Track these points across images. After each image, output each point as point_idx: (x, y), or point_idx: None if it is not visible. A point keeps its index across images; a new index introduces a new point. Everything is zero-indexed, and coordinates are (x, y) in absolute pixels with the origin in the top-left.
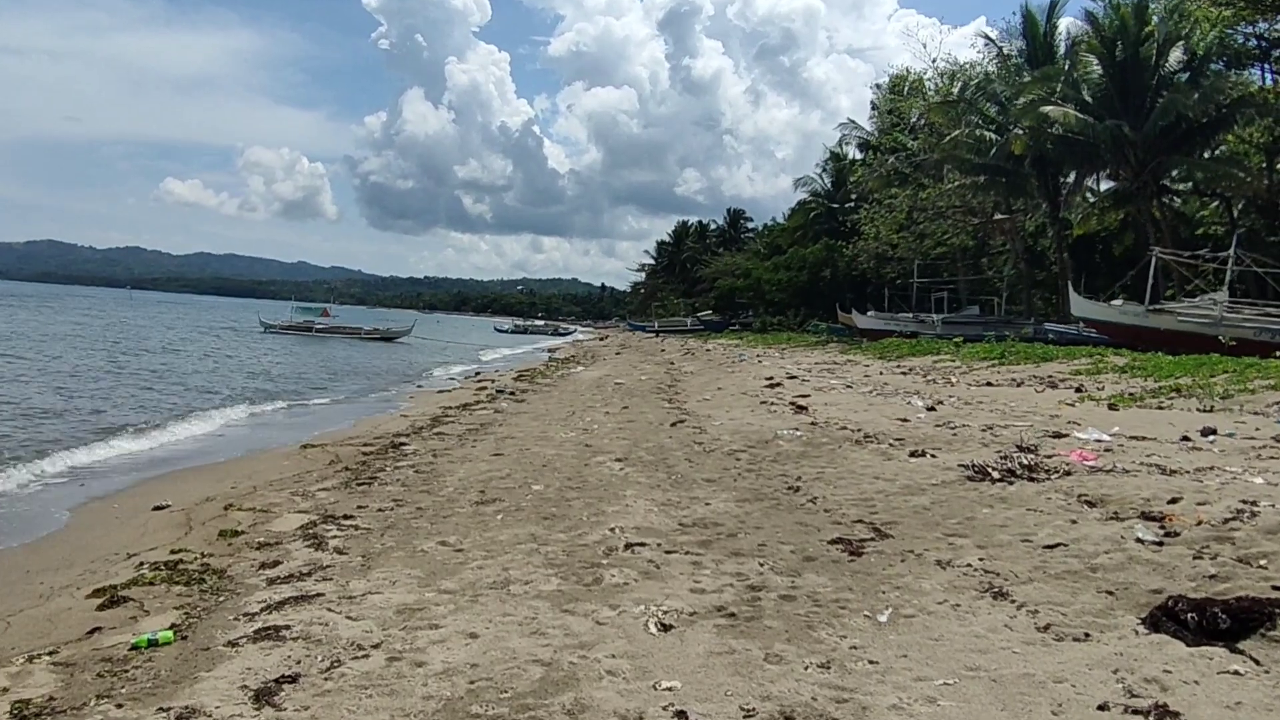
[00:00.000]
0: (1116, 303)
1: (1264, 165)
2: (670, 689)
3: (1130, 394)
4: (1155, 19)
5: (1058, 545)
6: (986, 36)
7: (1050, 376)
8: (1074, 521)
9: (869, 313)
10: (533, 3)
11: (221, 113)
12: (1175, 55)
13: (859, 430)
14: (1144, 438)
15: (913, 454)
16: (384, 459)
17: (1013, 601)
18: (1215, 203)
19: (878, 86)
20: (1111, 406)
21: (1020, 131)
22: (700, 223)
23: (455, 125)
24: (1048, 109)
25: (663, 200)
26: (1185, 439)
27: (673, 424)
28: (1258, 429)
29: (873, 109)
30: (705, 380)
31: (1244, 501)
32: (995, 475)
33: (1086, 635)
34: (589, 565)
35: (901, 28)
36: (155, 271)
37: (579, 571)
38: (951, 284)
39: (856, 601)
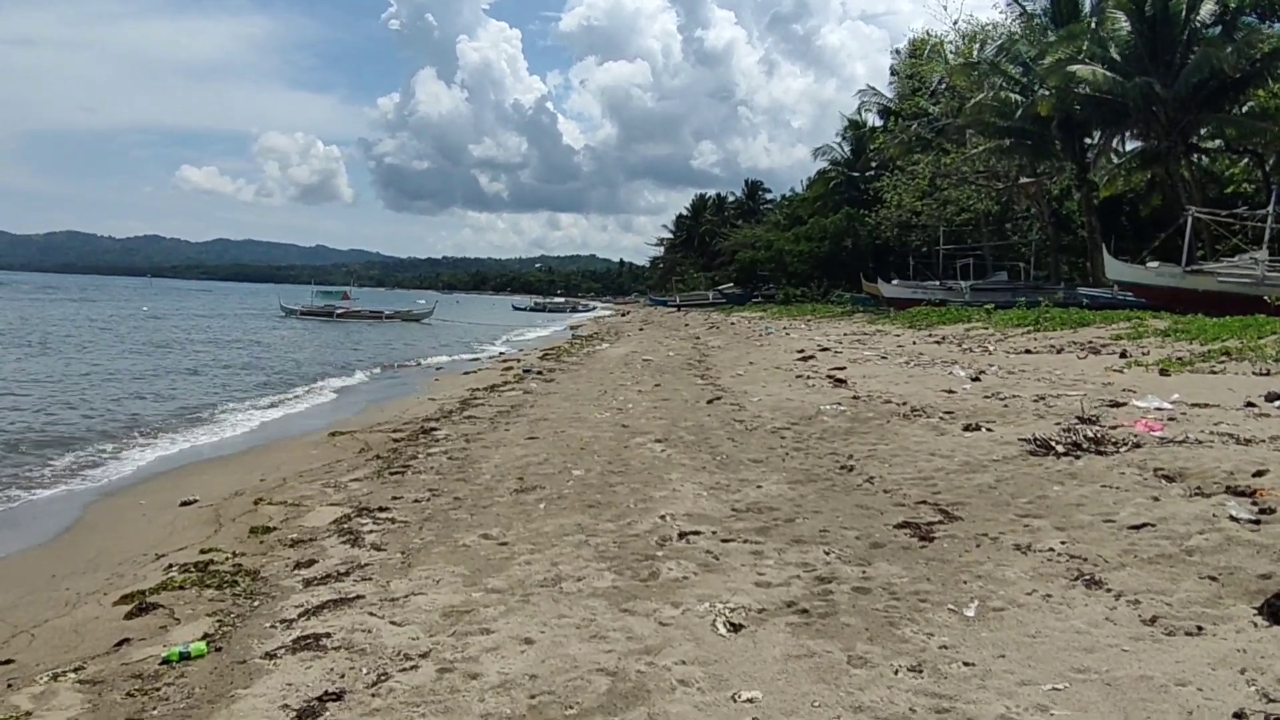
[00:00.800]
0: (1153, 264)
1: None
2: (751, 700)
3: (1179, 358)
4: None
5: (1144, 525)
6: None
7: (1090, 342)
8: (1156, 499)
9: (894, 281)
10: None
11: (235, 99)
12: (1207, 8)
13: (905, 404)
14: (1206, 404)
15: (966, 428)
16: (415, 445)
17: (1108, 590)
18: (1245, 159)
19: (897, 51)
20: (1163, 372)
21: (1046, 92)
22: (718, 195)
23: (468, 104)
24: (1075, 68)
25: (679, 173)
26: (1250, 405)
27: (709, 401)
28: None
29: (892, 74)
30: (735, 355)
31: None
32: (1060, 449)
33: (1199, 629)
34: (643, 558)
35: None
36: (175, 259)
37: (633, 565)
38: (977, 250)
39: (937, 593)
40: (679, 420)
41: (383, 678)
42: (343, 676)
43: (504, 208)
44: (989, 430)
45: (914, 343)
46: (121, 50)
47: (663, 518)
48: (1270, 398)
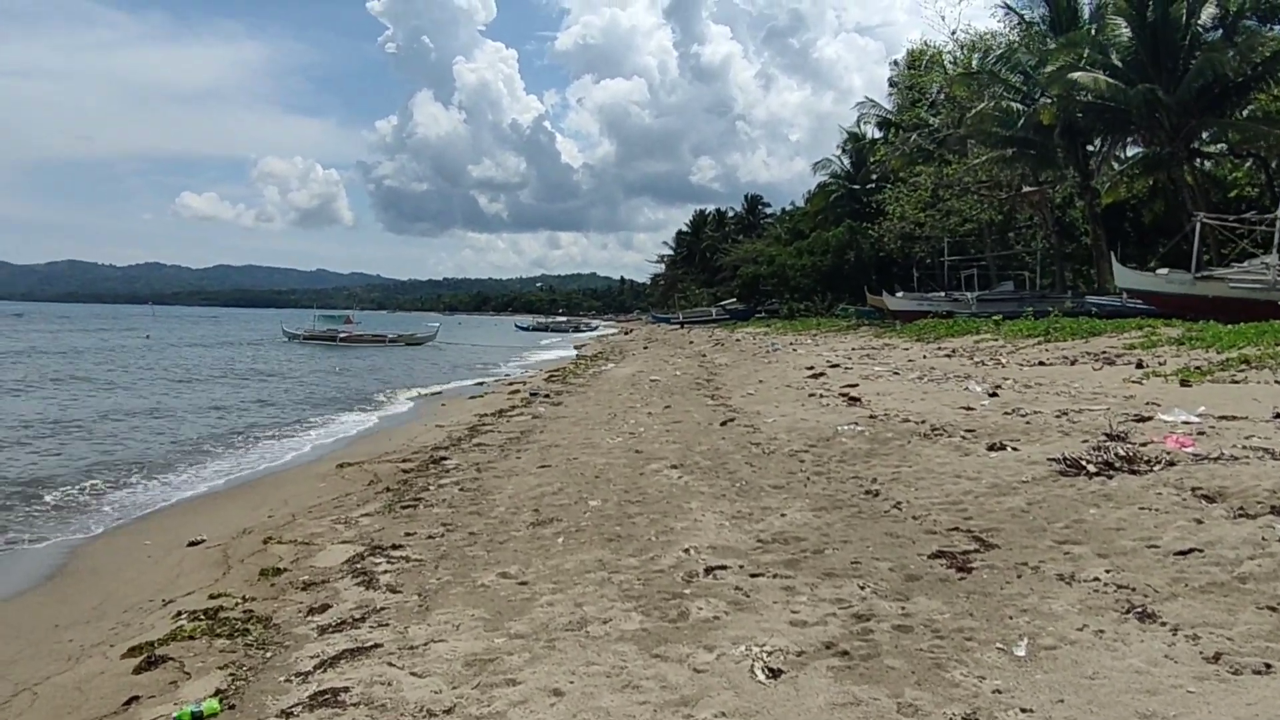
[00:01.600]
0: (1162, 271)
1: None
2: None
3: (1197, 368)
4: None
5: (1191, 551)
6: (1007, 5)
7: (1104, 352)
8: (1199, 521)
9: (899, 293)
10: None
11: (232, 125)
12: (1208, 12)
13: (923, 422)
14: (1234, 417)
15: (990, 447)
16: (426, 476)
17: (1163, 624)
18: (1248, 163)
19: (895, 63)
20: (1184, 383)
21: (1048, 100)
22: (718, 210)
23: (466, 125)
24: (1076, 75)
25: (678, 190)
26: (1279, 416)
27: (722, 423)
28: None
29: (891, 86)
30: (743, 373)
31: None
32: (1091, 469)
33: (1268, 666)
34: (670, 596)
35: (910, 3)
36: (176, 286)
37: (660, 605)
38: (981, 260)
39: (983, 630)
40: (693, 444)
41: None
42: None
43: (504, 228)
44: (1014, 449)
45: (924, 356)
46: (117, 78)
47: (686, 551)
48: None
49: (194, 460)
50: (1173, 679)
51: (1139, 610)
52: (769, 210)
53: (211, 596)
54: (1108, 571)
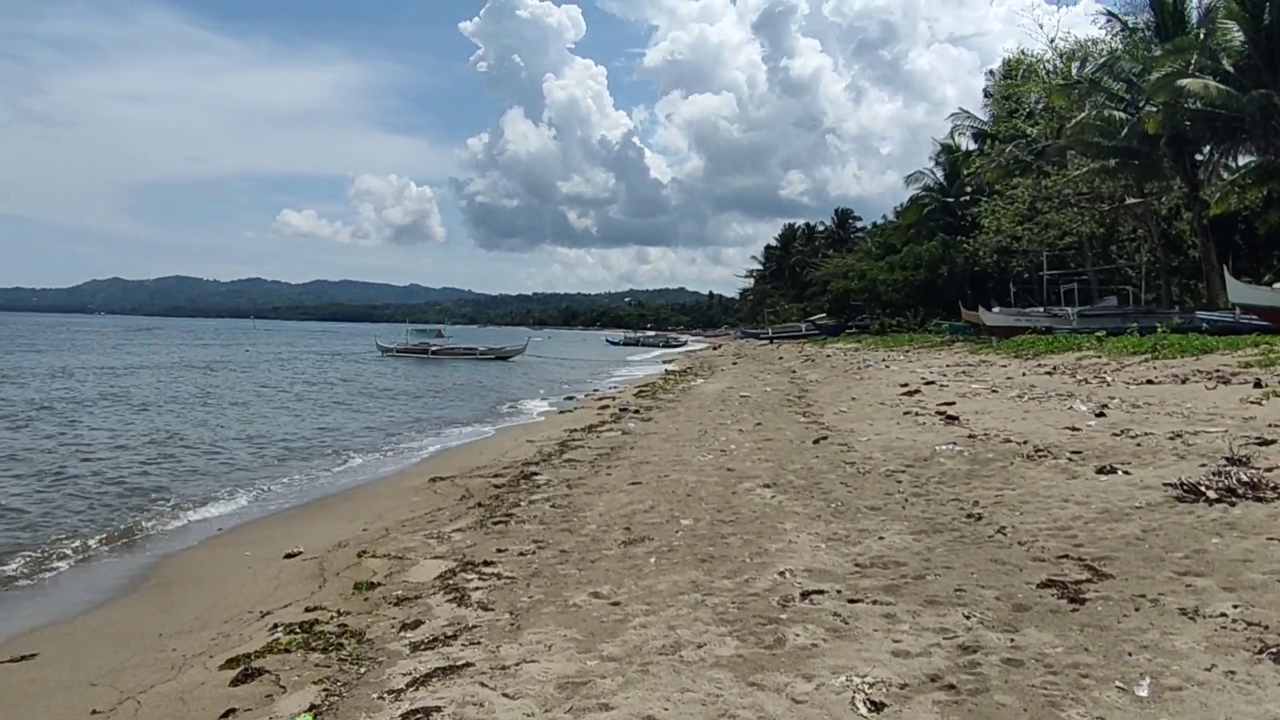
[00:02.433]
0: (1278, 285)
1: None
2: None
3: None
4: None
5: None
6: (1109, 12)
7: (1218, 370)
8: None
9: (995, 309)
10: (626, 15)
11: (331, 144)
12: None
13: (1025, 442)
14: None
15: (1100, 470)
16: (516, 492)
17: None
18: None
19: (991, 73)
20: None
21: (1153, 109)
22: (807, 225)
23: (556, 141)
24: (1184, 82)
25: (767, 204)
26: None
27: (815, 441)
28: None
29: (986, 96)
30: (835, 390)
31: None
32: (1212, 495)
33: None
34: (766, 621)
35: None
36: (276, 301)
37: (756, 630)
38: (1081, 274)
39: (1100, 667)
40: (786, 463)
41: None
42: None
43: (592, 243)
44: (1125, 473)
45: (1023, 374)
46: (223, 102)
47: (782, 574)
48: None
49: (290, 471)
50: None
51: (1274, 651)
52: (859, 224)
53: (307, 609)
54: (1235, 607)
